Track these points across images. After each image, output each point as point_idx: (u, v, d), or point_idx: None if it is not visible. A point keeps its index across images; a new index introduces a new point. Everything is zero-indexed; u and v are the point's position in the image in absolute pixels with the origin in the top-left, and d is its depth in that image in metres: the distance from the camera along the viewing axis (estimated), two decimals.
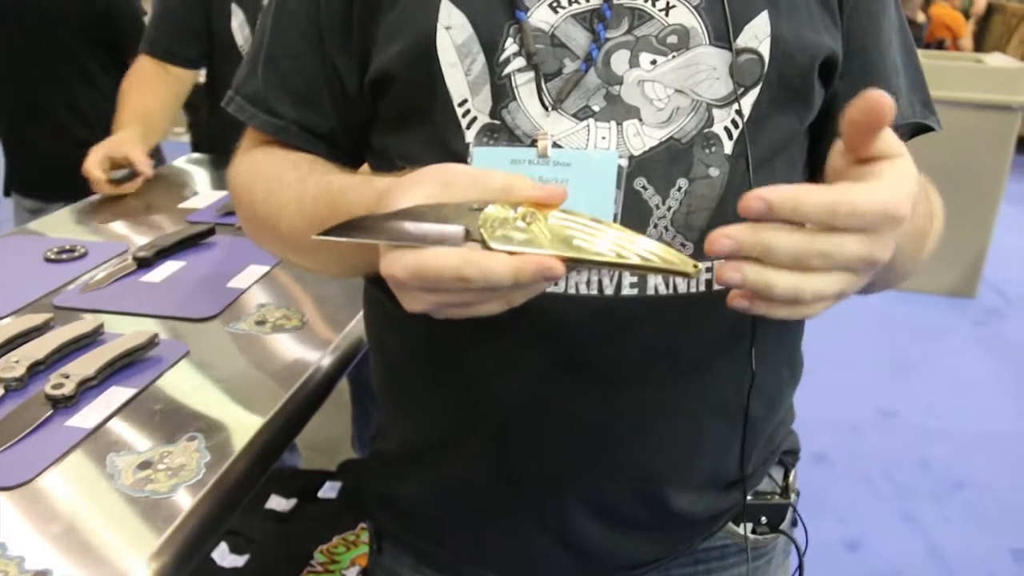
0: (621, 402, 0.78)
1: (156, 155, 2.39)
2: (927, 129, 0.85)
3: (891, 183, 0.58)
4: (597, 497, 0.82)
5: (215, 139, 2.16)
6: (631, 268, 0.61)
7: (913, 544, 2.52)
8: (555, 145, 0.72)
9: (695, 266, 0.60)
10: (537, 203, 0.61)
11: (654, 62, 0.72)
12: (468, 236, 0.59)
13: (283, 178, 0.81)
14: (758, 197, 0.56)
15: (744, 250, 0.57)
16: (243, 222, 0.89)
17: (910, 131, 0.84)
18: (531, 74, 0.73)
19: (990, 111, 3.90)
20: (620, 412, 0.78)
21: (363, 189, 0.71)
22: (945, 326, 3.97)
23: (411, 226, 0.60)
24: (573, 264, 0.60)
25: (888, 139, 0.60)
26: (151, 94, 1.99)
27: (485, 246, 0.59)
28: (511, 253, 0.59)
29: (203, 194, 1.87)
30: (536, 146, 0.72)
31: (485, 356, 0.78)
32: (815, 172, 0.85)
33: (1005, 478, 2.82)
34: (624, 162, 0.72)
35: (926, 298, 4.15)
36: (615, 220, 0.72)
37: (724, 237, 0.57)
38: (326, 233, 0.62)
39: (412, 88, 0.76)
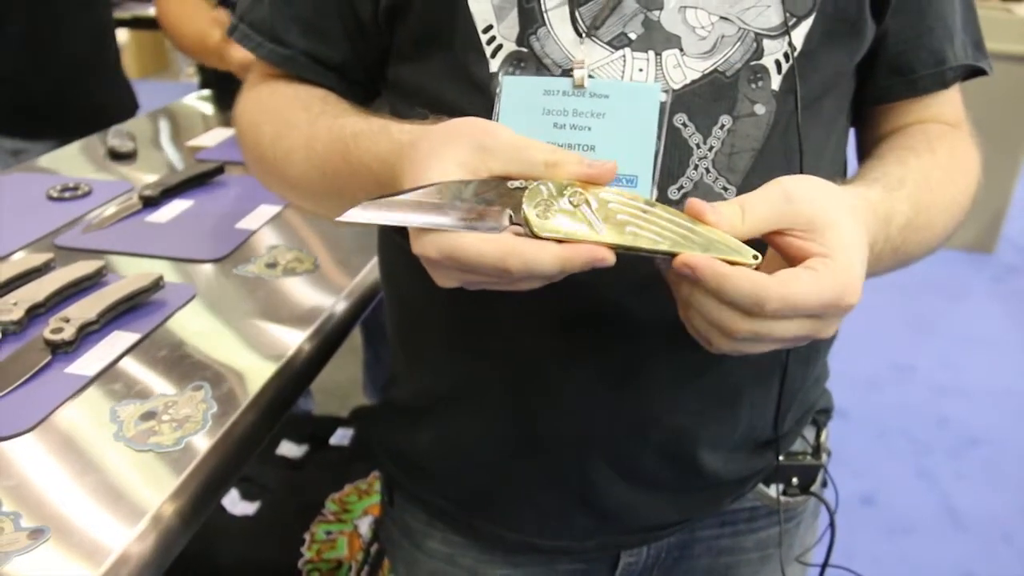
0: (651, 359, 0.74)
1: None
2: (979, 72, 0.81)
3: (841, 263, 0.57)
4: (622, 456, 0.78)
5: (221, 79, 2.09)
6: None
7: (928, 500, 2.51)
8: (589, 76, 0.67)
9: (755, 256, 0.56)
10: (585, 180, 0.56)
11: None
12: (511, 219, 0.55)
13: (291, 119, 0.76)
14: (686, 264, 0.55)
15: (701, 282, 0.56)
16: (249, 164, 0.84)
17: (963, 73, 0.80)
18: None
19: (1017, 63, 3.79)
20: (650, 369, 0.74)
21: (380, 139, 0.66)
22: (963, 282, 3.92)
23: (448, 208, 0.55)
24: (624, 252, 0.55)
25: (820, 199, 0.59)
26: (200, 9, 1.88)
27: (529, 230, 0.55)
28: (559, 240, 0.54)
29: (213, 132, 1.82)
30: (570, 75, 0.66)
31: (507, 305, 0.72)
32: (859, 115, 0.81)
33: (1021, 435, 2.80)
34: (664, 96, 0.67)
35: (944, 253, 4.03)
36: (656, 159, 0.67)
37: (686, 267, 0.55)
38: (350, 215, 0.58)
39: (431, 14, 0.70)
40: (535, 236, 0.55)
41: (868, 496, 2.50)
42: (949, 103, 0.81)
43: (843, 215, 0.59)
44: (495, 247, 0.54)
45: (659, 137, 0.67)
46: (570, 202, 0.55)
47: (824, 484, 0.94)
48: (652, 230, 0.56)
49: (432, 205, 0.55)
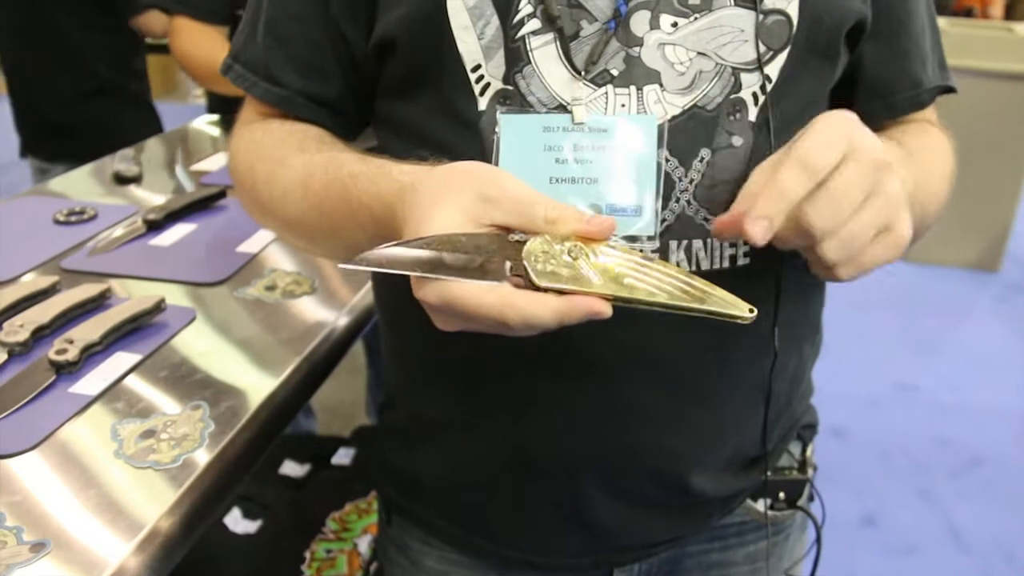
0: (640, 387, 0.75)
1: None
2: (948, 91, 0.84)
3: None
4: (614, 479, 0.80)
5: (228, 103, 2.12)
6: (683, 311, 0.58)
7: (929, 520, 2.50)
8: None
9: (751, 310, 0.58)
10: (585, 236, 0.58)
11: (675, 24, 0.69)
12: (511, 270, 0.57)
13: (287, 159, 0.77)
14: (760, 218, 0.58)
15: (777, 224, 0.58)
16: (244, 203, 0.85)
17: (936, 94, 0.83)
18: (546, 37, 0.69)
19: (1019, 82, 3.80)
20: (641, 396, 0.76)
21: (380, 179, 0.67)
22: (967, 300, 3.92)
23: (449, 258, 0.56)
24: (621, 304, 0.57)
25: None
26: (215, 39, 1.89)
27: (529, 281, 0.56)
28: (558, 292, 0.56)
29: (216, 156, 1.85)
30: (566, 112, 0.68)
31: (499, 335, 0.75)
32: None
33: (1023, 456, 2.79)
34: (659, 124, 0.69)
35: (948, 271, 4.09)
36: (657, 189, 0.68)
37: (762, 219, 0.57)
38: (354, 262, 0.59)
39: (418, 53, 0.72)
40: (535, 287, 0.56)
41: (869, 517, 2.50)
42: (925, 119, 0.84)
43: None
44: (494, 298, 0.55)
45: (660, 166, 0.68)
46: (569, 255, 0.57)
47: (811, 498, 0.95)
48: (649, 283, 0.57)
49: (434, 255, 0.56)
